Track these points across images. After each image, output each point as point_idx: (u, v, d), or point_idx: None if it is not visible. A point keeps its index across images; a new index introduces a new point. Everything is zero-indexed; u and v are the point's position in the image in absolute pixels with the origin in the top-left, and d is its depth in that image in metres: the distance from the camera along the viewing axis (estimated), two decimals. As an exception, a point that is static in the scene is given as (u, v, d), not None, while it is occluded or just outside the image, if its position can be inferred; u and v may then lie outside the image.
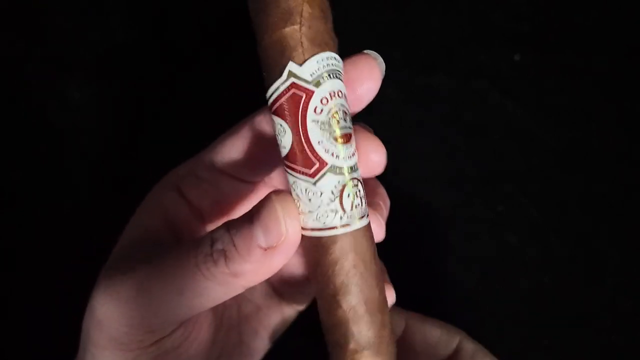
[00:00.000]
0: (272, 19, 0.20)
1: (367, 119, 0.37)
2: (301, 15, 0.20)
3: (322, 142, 0.21)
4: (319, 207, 0.21)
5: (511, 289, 0.36)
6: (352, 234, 0.21)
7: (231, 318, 0.28)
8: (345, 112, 0.21)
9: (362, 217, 0.22)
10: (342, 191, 0.21)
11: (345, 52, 0.38)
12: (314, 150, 0.21)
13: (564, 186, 0.37)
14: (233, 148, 0.25)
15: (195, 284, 0.21)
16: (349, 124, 0.22)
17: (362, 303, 0.21)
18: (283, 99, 0.20)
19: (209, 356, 0.27)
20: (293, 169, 0.21)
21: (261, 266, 0.21)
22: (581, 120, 0.37)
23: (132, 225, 0.26)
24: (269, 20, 0.20)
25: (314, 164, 0.21)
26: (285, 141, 0.21)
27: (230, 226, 0.21)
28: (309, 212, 0.21)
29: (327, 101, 0.21)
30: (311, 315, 0.32)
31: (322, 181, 0.21)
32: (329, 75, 0.21)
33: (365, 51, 0.24)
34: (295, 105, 0.20)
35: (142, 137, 0.35)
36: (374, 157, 0.24)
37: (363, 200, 0.22)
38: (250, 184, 0.27)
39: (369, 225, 0.22)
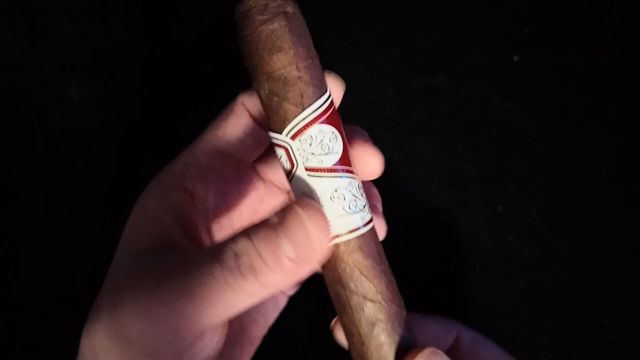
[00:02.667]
0: (310, 44, 0.23)
1: (368, 119, 0.37)
2: None
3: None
4: (365, 199, 0.23)
5: (510, 288, 0.36)
6: (372, 229, 0.24)
7: None
8: None
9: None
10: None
11: (346, 52, 0.39)
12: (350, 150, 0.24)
13: (564, 186, 0.37)
14: (231, 128, 0.25)
15: (226, 297, 0.20)
16: None
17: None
18: (333, 108, 0.23)
19: (221, 351, 0.27)
20: (348, 171, 0.23)
21: (291, 276, 0.20)
22: (581, 120, 0.37)
23: (135, 234, 0.25)
24: (309, 46, 0.23)
25: (352, 162, 0.23)
26: (338, 146, 0.23)
27: (253, 236, 0.20)
28: (364, 206, 0.23)
29: None
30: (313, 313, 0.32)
31: (357, 177, 0.24)
32: None
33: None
34: (337, 112, 0.23)
35: (142, 137, 0.35)
36: (372, 163, 0.25)
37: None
38: (249, 168, 0.28)
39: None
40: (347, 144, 0.23)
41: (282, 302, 0.31)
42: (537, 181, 0.37)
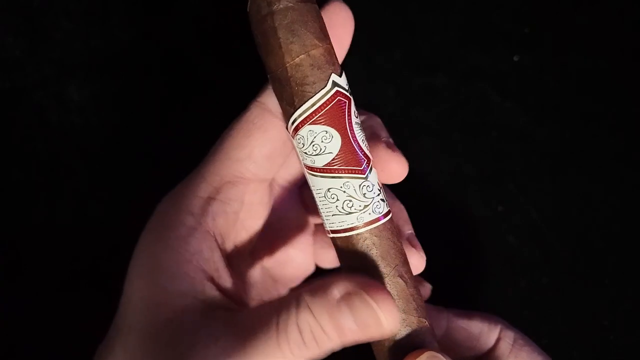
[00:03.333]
0: (309, 38, 0.22)
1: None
2: (328, 35, 0.23)
3: (364, 140, 0.23)
4: (372, 199, 0.23)
5: (510, 288, 0.36)
6: (392, 217, 0.24)
7: None
8: None
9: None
10: (378, 181, 0.24)
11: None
12: (362, 148, 0.23)
13: (564, 186, 0.37)
14: (259, 146, 0.23)
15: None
16: None
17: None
18: (328, 108, 0.22)
19: None
20: (342, 171, 0.22)
21: (352, 341, 0.20)
22: (581, 120, 0.37)
23: (156, 294, 0.22)
24: (306, 39, 0.22)
25: (363, 161, 0.23)
26: (332, 146, 0.22)
27: (314, 309, 0.20)
28: (365, 207, 0.22)
29: (355, 106, 0.23)
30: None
31: (371, 175, 0.23)
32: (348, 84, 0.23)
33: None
34: (341, 110, 0.22)
35: (142, 137, 0.35)
36: (392, 169, 0.25)
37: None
38: (267, 189, 0.26)
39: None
40: (354, 141, 0.22)
41: (283, 294, 0.30)
42: (537, 181, 0.37)
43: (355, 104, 0.23)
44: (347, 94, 0.23)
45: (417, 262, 0.25)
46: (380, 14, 0.37)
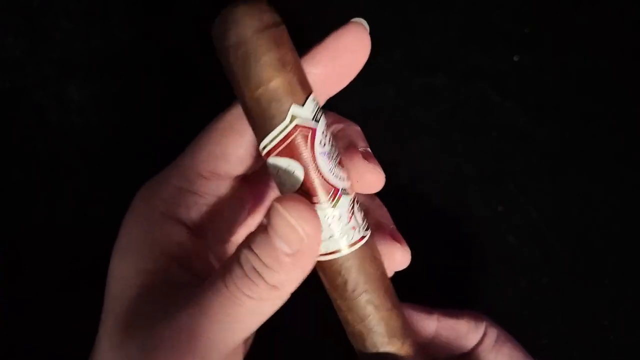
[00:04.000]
0: (264, 71, 0.21)
1: (368, 119, 0.37)
2: (291, 62, 0.21)
3: (331, 169, 0.22)
4: (341, 229, 0.22)
5: (510, 288, 0.36)
6: (367, 243, 0.23)
7: None
8: (332, 137, 0.23)
9: (368, 225, 0.23)
10: (352, 207, 0.23)
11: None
12: (327, 180, 0.22)
13: (564, 186, 0.37)
14: (232, 147, 0.24)
15: (244, 308, 0.21)
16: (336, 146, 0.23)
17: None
18: (288, 142, 0.21)
19: None
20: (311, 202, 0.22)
21: (296, 270, 0.21)
22: (581, 120, 0.37)
23: (132, 270, 0.23)
24: (261, 73, 0.21)
25: (329, 191, 0.22)
26: (295, 179, 0.22)
27: (251, 243, 0.21)
28: (330, 237, 0.22)
29: (326, 132, 0.22)
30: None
31: (339, 204, 0.22)
32: (319, 108, 0.22)
33: (353, 20, 0.24)
34: (303, 143, 0.21)
35: (141, 137, 0.35)
36: (367, 181, 0.24)
37: (361, 210, 0.23)
38: (240, 182, 0.26)
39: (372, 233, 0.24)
40: (317, 173, 0.22)
41: None
42: (537, 181, 0.37)
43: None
44: (311, 124, 0.22)
45: (402, 257, 0.25)
46: (380, 14, 0.37)
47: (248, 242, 0.21)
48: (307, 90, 0.22)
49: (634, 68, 0.37)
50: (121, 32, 0.35)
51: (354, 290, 0.23)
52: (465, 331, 0.28)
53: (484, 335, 0.28)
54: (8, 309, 0.34)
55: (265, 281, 0.20)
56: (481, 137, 0.37)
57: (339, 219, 0.22)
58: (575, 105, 0.37)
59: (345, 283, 0.23)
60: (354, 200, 0.23)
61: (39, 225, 0.35)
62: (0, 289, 0.34)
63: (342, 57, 0.23)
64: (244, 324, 0.21)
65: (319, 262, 0.23)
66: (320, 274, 0.24)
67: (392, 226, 0.26)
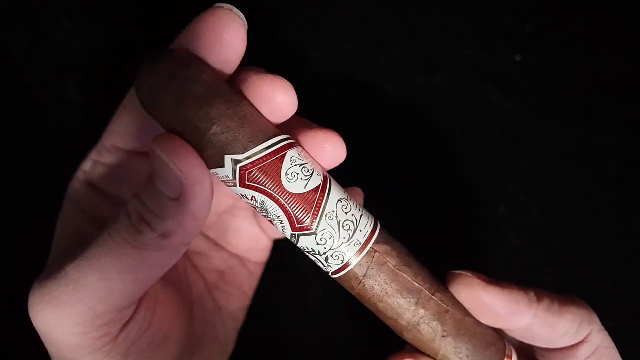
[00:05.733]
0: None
1: (367, 119, 0.37)
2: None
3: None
4: (340, 245, 0.22)
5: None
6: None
7: (200, 291, 0.28)
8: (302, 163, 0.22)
9: (368, 218, 0.23)
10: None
11: (346, 52, 0.38)
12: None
13: (566, 187, 0.37)
14: (125, 124, 0.24)
15: (131, 259, 0.20)
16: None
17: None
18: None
19: (192, 331, 0.26)
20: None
21: (183, 218, 0.20)
22: (582, 120, 0.37)
23: (57, 238, 0.25)
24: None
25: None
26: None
27: (139, 193, 0.20)
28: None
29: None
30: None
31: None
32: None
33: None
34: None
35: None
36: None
37: (360, 207, 0.23)
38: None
39: (376, 221, 0.23)
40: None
41: (257, 271, 0.31)
42: (538, 181, 0.37)
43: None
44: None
45: (333, 148, 0.23)
46: (380, 14, 0.37)
47: (136, 193, 0.21)
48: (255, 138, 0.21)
49: (634, 68, 0.37)
50: (121, 32, 0.35)
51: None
52: (563, 333, 0.23)
53: (583, 342, 0.24)
54: (8, 309, 0.34)
55: (151, 229, 0.20)
56: (482, 137, 0.37)
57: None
58: (576, 106, 0.37)
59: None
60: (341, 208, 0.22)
61: (39, 225, 0.34)
62: (0, 289, 0.34)
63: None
64: (133, 276, 0.21)
65: (340, 277, 0.23)
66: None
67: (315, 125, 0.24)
